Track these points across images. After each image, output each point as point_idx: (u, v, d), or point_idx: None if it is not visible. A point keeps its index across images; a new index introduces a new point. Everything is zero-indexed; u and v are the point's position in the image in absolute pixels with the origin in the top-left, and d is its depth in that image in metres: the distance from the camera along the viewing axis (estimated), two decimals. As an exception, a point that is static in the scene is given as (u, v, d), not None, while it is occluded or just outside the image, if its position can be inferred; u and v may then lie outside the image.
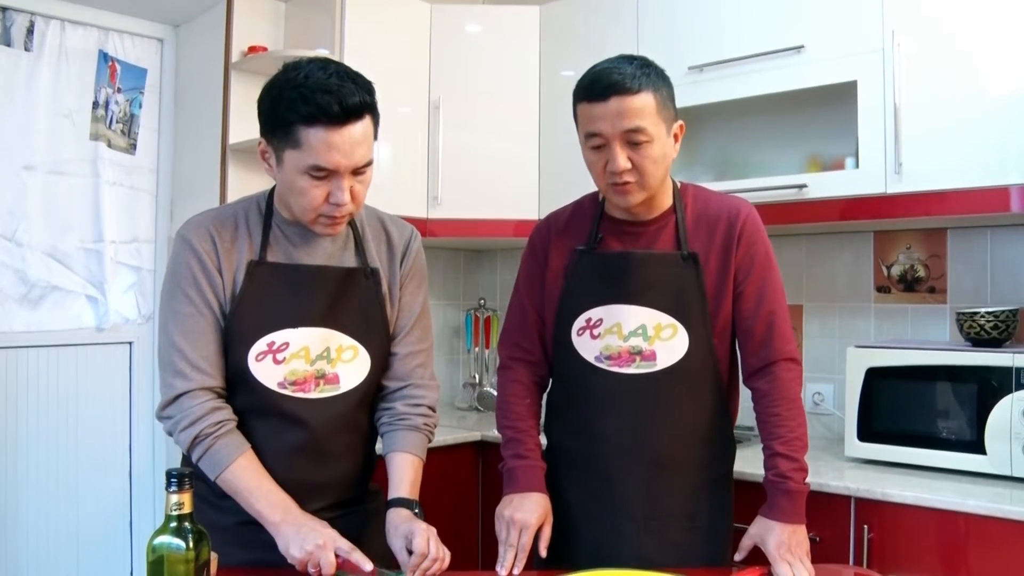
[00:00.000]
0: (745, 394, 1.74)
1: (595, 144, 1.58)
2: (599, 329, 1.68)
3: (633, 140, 1.54)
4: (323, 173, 1.43)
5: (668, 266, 1.65)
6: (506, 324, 1.84)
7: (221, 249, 1.53)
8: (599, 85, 1.54)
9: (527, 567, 1.56)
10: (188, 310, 1.51)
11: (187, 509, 1.13)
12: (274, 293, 1.54)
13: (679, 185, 1.72)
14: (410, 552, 1.44)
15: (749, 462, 2.05)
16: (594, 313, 1.68)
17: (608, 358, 1.67)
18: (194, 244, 1.52)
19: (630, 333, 1.66)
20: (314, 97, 1.39)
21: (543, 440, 1.80)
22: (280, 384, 1.53)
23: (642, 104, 1.53)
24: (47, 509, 2.73)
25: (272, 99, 1.44)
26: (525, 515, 1.59)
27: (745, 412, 1.82)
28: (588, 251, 1.71)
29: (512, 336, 1.81)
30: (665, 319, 1.64)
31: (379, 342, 1.63)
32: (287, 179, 1.47)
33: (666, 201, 1.69)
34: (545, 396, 1.83)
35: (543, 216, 2.92)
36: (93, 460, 2.84)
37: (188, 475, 1.13)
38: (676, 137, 1.63)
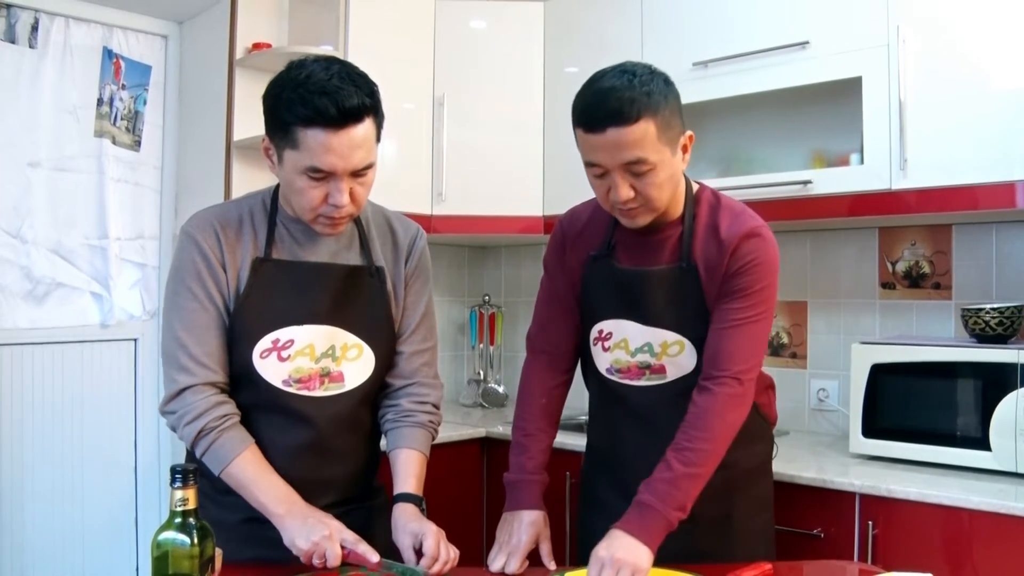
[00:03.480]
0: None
1: (596, 172, 1.51)
2: (609, 342, 1.67)
3: (635, 171, 1.46)
4: (321, 175, 1.42)
5: (668, 282, 1.60)
6: (533, 318, 1.80)
7: (226, 245, 1.53)
8: (595, 115, 1.45)
9: (532, 563, 1.57)
10: (192, 305, 1.51)
11: (191, 505, 1.13)
12: (279, 290, 1.54)
13: (695, 190, 1.64)
14: (418, 553, 1.44)
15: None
16: (605, 326, 1.67)
17: (618, 371, 1.66)
18: (199, 240, 1.52)
19: (636, 350, 1.64)
20: (312, 99, 1.37)
21: (573, 439, 1.78)
22: (285, 382, 1.53)
23: (641, 134, 1.43)
24: (52, 505, 2.74)
25: (273, 98, 1.43)
26: (514, 540, 1.58)
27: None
28: (599, 260, 1.67)
29: (537, 330, 1.78)
30: (671, 336, 1.61)
31: (384, 340, 1.63)
32: (287, 178, 1.47)
33: (677, 209, 1.61)
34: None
35: (547, 212, 2.95)
36: (98, 456, 2.85)
37: (193, 471, 1.13)
38: (685, 148, 1.54)
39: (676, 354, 1.61)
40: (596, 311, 1.68)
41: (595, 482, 1.77)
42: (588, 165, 1.51)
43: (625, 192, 1.48)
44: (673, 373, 1.63)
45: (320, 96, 1.37)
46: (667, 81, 1.51)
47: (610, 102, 1.43)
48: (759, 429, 1.74)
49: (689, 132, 1.55)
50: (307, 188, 1.44)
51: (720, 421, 1.50)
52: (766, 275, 1.56)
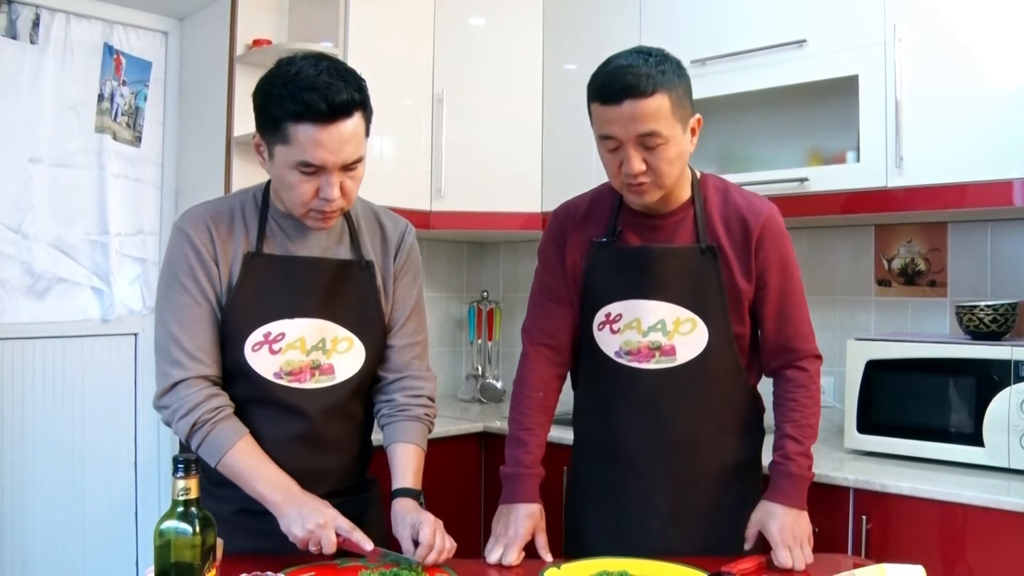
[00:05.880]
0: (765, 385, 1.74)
1: (609, 146, 1.55)
2: (619, 324, 1.67)
3: (648, 144, 1.51)
4: (311, 169, 1.44)
5: (686, 260, 1.64)
6: (529, 311, 1.81)
7: (218, 240, 1.55)
8: (612, 88, 1.50)
9: (528, 555, 1.58)
10: (184, 300, 1.52)
11: (193, 494, 1.14)
12: (270, 284, 1.56)
13: (699, 176, 1.70)
14: (416, 543, 1.46)
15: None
16: (613, 308, 1.68)
17: (628, 353, 1.67)
18: (191, 235, 1.54)
19: (649, 328, 1.65)
20: (301, 95, 1.40)
21: (571, 433, 1.81)
22: (276, 374, 1.55)
23: (656, 107, 1.49)
24: (53, 497, 2.75)
25: (263, 95, 1.46)
26: (511, 532, 1.60)
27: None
28: (606, 244, 1.69)
29: (536, 323, 1.78)
30: (684, 313, 1.64)
31: (374, 333, 1.65)
32: (278, 173, 1.49)
33: (684, 193, 1.66)
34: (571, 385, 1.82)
35: (546, 208, 2.96)
36: (98, 450, 2.86)
37: (195, 461, 1.14)
38: (693, 131, 1.60)
39: (688, 332, 1.64)
40: (603, 295, 1.69)
41: (585, 478, 1.78)
42: (602, 139, 1.56)
43: (638, 165, 1.53)
44: (683, 355, 1.64)
45: (310, 91, 1.40)
46: (679, 64, 1.59)
47: (627, 76, 1.50)
48: (758, 419, 1.77)
49: (698, 115, 1.61)
50: (298, 183, 1.46)
51: (818, 395, 1.69)
52: (791, 252, 1.69)
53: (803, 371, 1.68)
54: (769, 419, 1.73)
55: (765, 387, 1.75)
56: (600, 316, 1.70)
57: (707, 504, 1.67)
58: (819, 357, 1.71)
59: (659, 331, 1.65)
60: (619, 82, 1.50)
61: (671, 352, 1.65)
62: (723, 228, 1.65)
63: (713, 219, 1.65)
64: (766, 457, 1.75)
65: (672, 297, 1.64)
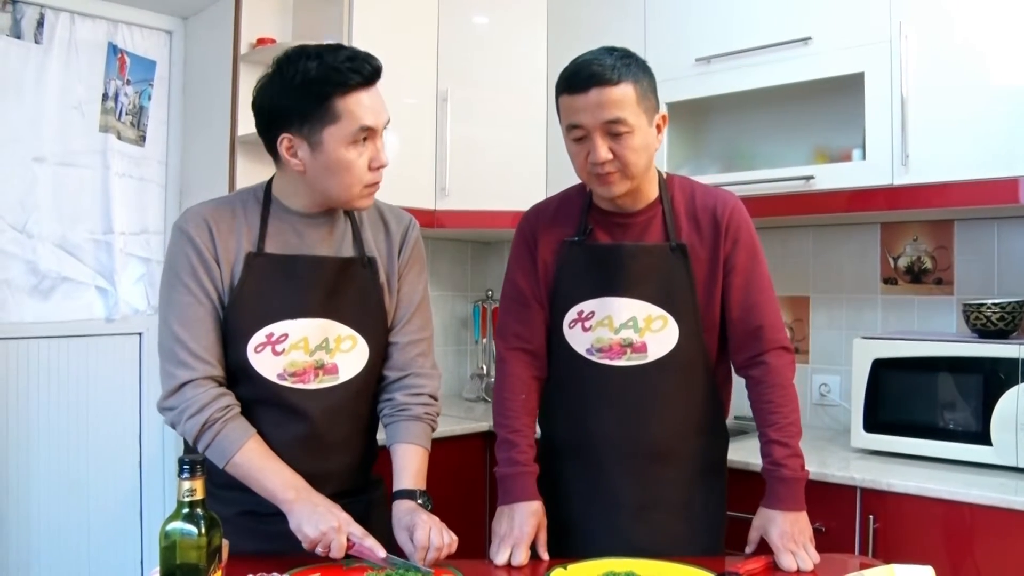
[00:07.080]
0: (740, 384, 1.75)
1: (576, 136, 1.59)
2: (590, 322, 1.69)
3: (613, 131, 1.55)
4: (367, 134, 1.48)
5: (657, 258, 1.66)
6: (502, 316, 1.81)
7: (218, 239, 1.54)
8: (579, 77, 1.55)
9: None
10: (187, 299, 1.51)
11: (199, 495, 1.14)
12: (272, 284, 1.55)
13: (664, 176, 1.73)
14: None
15: (752, 452, 2.06)
16: (586, 306, 1.69)
17: (599, 351, 1.68)
18: (192, 235, 1.53)
19: (621, 325, 1.67)
20: (342, 65, 1.45)
21: (538, 430, 1.80)
22: (280, 375, 1.54)
23: (622, 95, 1.54)
24: (58, 497, 2.75)
25: (299, 84, 1.45)
26: (516, 532, 1.60)
27: (745, 403, 1.83)
28: (578, 243, 1.71)
29: (510, 327, 1.78)
30: (655, 311, 1.66)
31: (377, 331, 1.64)
32: (331, 159, 1.48)
33: (652, 192, 1.69)
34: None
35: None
36: (103, 449, 2.87)
37: (200, 462, 1.14)
38: (659, 128, 1.63)
39: (659, 329, 1.65)
40: (574, 294, 1.71)
41: (562, 473, 1.76)
42: (569, 128, 1.60)
43: (604, 153, 1.56)
44: (654, 352, 1.66)
45: (350, 61, 1.46)
46: (645, 63, 1.62)
47: (594, 66, 1.55)
48: (722, 422, 1.78)
49: (663, 112, 1.65)
50: (355, 159, 1.49)
51: (792, 388, 1.68)
52: (758, 243, 1.71)
53: (771, 367, 1.66)
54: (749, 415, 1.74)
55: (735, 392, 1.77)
56: (572, 314, 1.71)
57: (675, 502, 1.68)
58: (788, 350, 1.70)
59: (631, 328, 1.66)
60: (586, 71, 1.55)
61: (642, 349, 1.66)
62: (691, 225, 1.68)
63: (680, 217, 1.68)
64: (732, 454, 1.81)
65: (643, 294, 1.66)
